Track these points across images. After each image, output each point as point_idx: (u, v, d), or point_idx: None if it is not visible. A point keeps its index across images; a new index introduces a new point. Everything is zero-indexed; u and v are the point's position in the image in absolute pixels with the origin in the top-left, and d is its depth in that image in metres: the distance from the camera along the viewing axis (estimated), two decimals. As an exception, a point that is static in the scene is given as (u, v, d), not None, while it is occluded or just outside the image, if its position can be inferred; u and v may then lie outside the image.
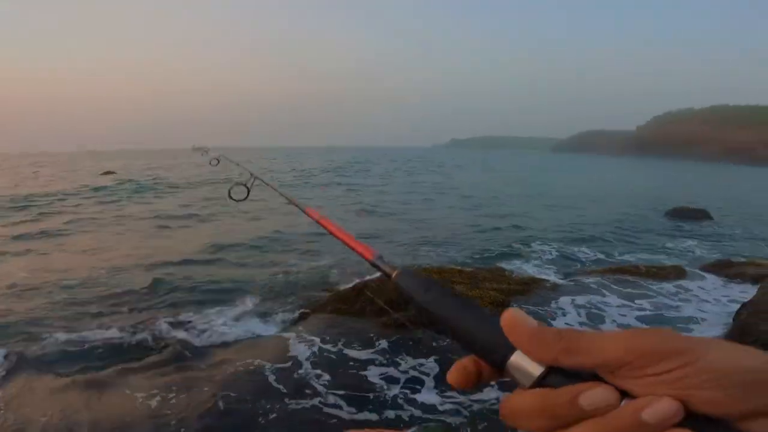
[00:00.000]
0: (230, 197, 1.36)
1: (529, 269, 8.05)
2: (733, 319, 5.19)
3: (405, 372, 4.18)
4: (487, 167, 50.70)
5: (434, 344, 4.51)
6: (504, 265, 8.02)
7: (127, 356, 4.63)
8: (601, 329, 4.64)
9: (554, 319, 5.72)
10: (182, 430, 3.35)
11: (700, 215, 14.73)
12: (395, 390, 3.94)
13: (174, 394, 3.78)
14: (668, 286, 7.16)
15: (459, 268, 7.05)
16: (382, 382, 4.03)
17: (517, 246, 9.81)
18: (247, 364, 4.28)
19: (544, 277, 7.43)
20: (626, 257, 9.17)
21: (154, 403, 3.67)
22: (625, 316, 6.03)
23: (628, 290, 6.99)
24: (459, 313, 0.41)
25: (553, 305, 6.15)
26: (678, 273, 7.80)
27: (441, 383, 3.97)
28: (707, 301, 6.56)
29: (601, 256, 9.35)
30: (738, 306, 5.37)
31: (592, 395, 0.33)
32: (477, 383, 0.39)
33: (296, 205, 1.06)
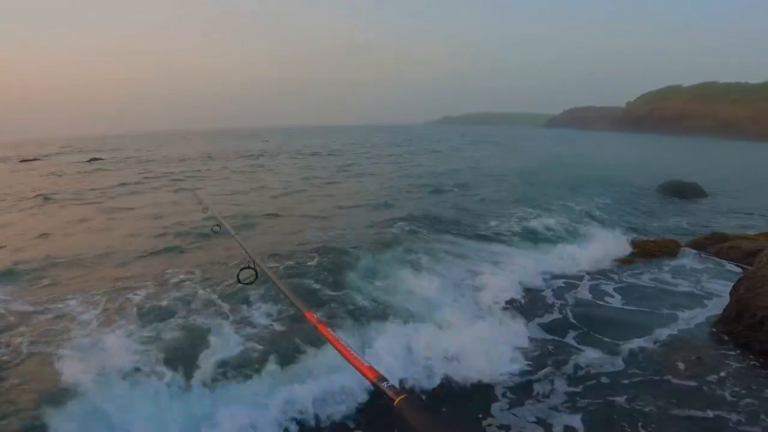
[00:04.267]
0: (239, 281, 1.39)
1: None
2: (730, 294, 5.18)
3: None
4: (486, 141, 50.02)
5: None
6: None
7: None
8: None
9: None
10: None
11: (692, 189, 14.78)
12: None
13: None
14: (665, 263, 7.19)
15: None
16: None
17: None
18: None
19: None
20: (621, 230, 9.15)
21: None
22: (628, 293, 6.05)
23: (627, 267, 7.00)
24: None
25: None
26: (673, 248, 7.83)
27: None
28: (703, 277, 6.59)
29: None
30: (734, 281, 5.36)
31: None
32: None
33: (297, 306, 1.00)
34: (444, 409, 3.44)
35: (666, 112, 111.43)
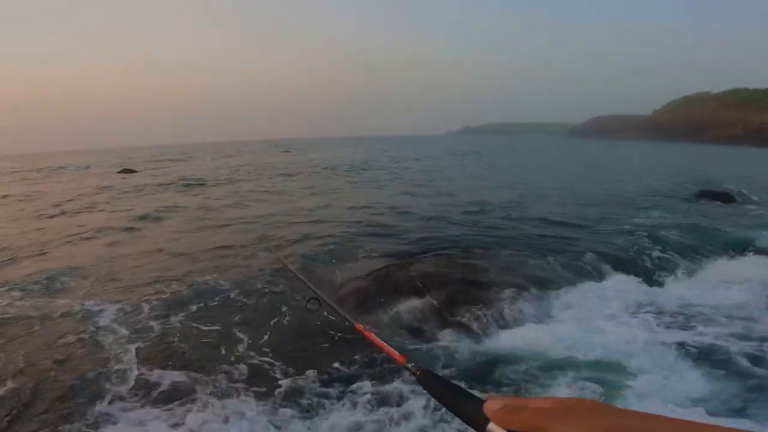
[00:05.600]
0: (306, 308, 1.53)
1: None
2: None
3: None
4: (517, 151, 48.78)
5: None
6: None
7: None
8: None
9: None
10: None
11: (723, 197, 14.60)
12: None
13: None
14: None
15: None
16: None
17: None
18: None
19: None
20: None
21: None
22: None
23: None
24: (458, 399, 0.59)
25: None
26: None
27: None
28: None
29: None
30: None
31: None
32: None
33: (350, 321, 1.15)
34: (455, 381, 3.59)
35: (693, 120, 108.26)
